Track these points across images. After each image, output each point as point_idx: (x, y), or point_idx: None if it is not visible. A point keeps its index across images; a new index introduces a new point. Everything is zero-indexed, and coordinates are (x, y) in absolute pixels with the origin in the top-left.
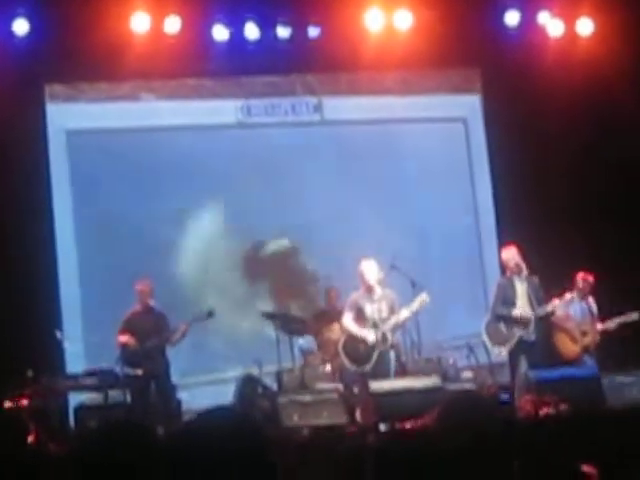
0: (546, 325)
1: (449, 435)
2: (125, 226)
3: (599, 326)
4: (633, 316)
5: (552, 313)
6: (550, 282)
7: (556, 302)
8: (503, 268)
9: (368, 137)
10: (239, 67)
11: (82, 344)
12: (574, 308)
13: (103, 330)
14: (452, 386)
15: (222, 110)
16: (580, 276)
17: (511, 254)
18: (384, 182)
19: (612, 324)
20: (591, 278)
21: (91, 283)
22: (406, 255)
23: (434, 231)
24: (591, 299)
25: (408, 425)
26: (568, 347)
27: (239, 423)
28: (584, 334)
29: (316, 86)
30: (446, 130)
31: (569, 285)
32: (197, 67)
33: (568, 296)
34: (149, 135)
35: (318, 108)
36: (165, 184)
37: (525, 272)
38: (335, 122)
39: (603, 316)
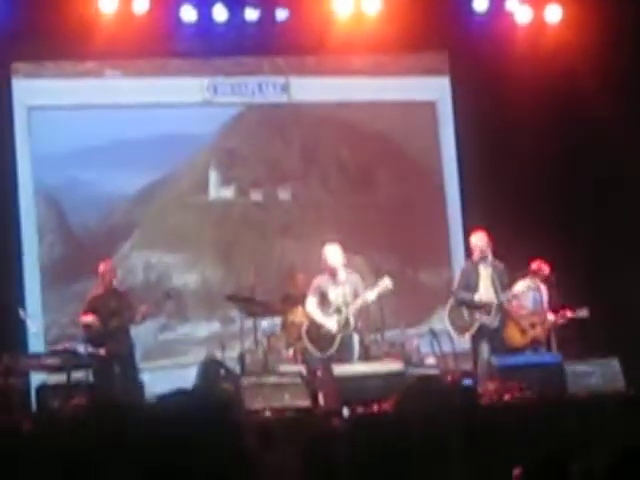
0: (502, 312)
1: (404, 420)
2: (87, 204)
3: (550, 317)
4: (583, 313)
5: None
6: (512, 269)
7: (516, 289)
8: (469, 253)
9: (336, 118)
10: (207, 48)
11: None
12: (527, 298)
13: (60, 309)
14: (415, 371)
15: (188, 88)
16: (535, 265)
17: (480, 239)
18: (351, 165)
19: (562, 319)
20: (546, 268)
21: (51, 262)
22: (372, 240)
23: (401, 215)
24: (544, 289)
25: (371, 409)
26: (516, 338)
27: (202, 406)
28: (533, 326)
29: (284, 66)
30: (416, 113)
31: (525, 273)
32: (164, 48)
33: (527, 284)
34: (113, 112)
35: (285, 88)
36: (129, 162)
37: (490, 257)
38: (303, 103)
39: (555, 307)
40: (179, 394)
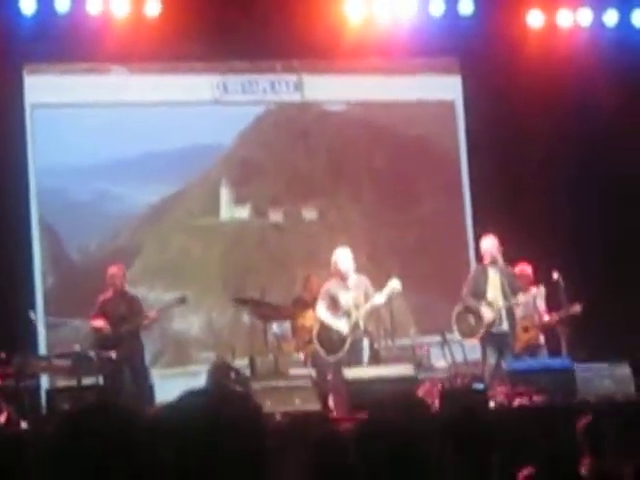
0: (511, 317)
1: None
2: (92, 205)
3: (546, 318)
4: (576, 308)
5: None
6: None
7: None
8: (479, 257)
9: (350, 118)
10: (218, 51)
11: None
12: (518, 303)
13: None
14: (425, 375)
15: (197, 87)
16: (518, 270)
17: (491, 243)
18: (387, 175)
19: (555, 317)
20: (529, 269)
21: (49, 294)
22: (387, 243)
23: (418, 218)
24: (536, 292)
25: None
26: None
27: (219, 407)
28: (526, 330)
29: (296, 64)
30: (441, 113)
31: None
32: (176, 50)
33: (533, 290)
34: (119, 110)
35: (299, 86)
36: (135, 175)
37: (500, 262)
38: (316, 102)
39: (552, 309)
40: (194, 395)
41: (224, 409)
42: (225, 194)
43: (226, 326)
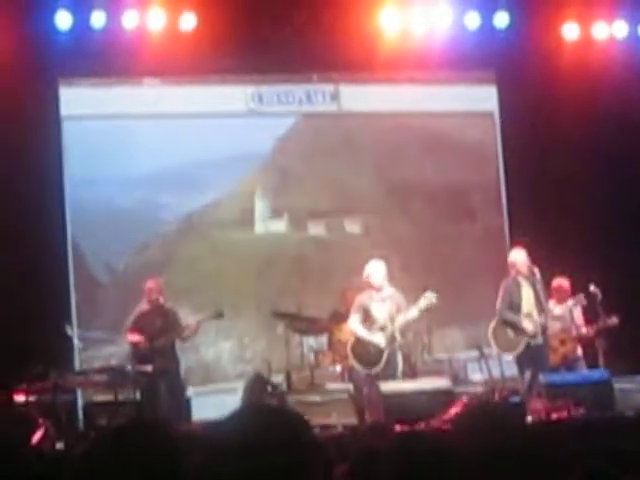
0: (545, 330)
1: (466, 440)
2: (125, 217)
3: (583, 330)
4: (613, 320)
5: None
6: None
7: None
8: (511, 270)
9: (387, 129)
10: (253, 63)
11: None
12: (555, 317)
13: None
14: (462, 388)
15: (231, 97)
16: (555, 284)
17: (521, 256)
18: (441, 187)
19: (591, 330)
20: (566, 283)
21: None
22: (422, 255)
23: (456, 230)
24: (573, 305)
25: (420, 427)
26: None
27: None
28: (563, 343)
29: (333, 74)
30: (477, 123)
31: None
32: (211, 64)
33: (553, 303)
34: (151, 122)
35: (335, 97)
36: (170, 185)
37: (536, 275)
38: (353, 113)
39: (589, 322)
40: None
41: (271, 426)
42: (260, 206)
43: (259, 353)
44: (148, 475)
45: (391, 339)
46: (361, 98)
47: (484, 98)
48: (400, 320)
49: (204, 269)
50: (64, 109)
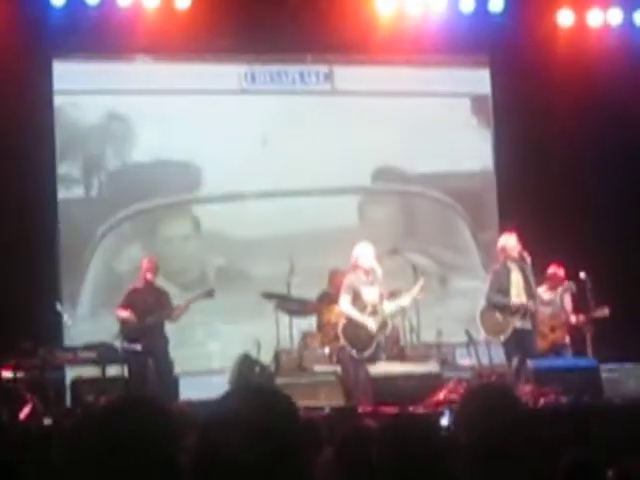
0: (533, 315)
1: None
2: (116, 195)
3: (573, 319)
4: (603, 312)
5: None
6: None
7: (543, 295)
8: (500, 254)
9: (381, 109)
10: (247, 43)
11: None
12: (546, 302)
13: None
14: (450, 373)
15: (224, 76)
16: (551, 270)
17: (511, 241)
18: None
19: (582, 320)
20: (561, 271)
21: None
22: (413, 238)
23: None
24: (563, 292)
25: (408, 410)
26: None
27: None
28: (552, 329)
29: (327, 55)
30: (463, 105)
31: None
32: (205, 44)
33: (544, 289)
34: (142, 99)
35: (329, 77)
36: (150, 143)
37: (527, 260)
38: (347, 92)
39: (579, 309)
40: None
41: (265, 409)
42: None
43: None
44: (147, 449)
45: (382, 325)
46: (355, 79)
47: (478, 81)
48: (392, 307)
49: (192, 248)
50: (57, 84)
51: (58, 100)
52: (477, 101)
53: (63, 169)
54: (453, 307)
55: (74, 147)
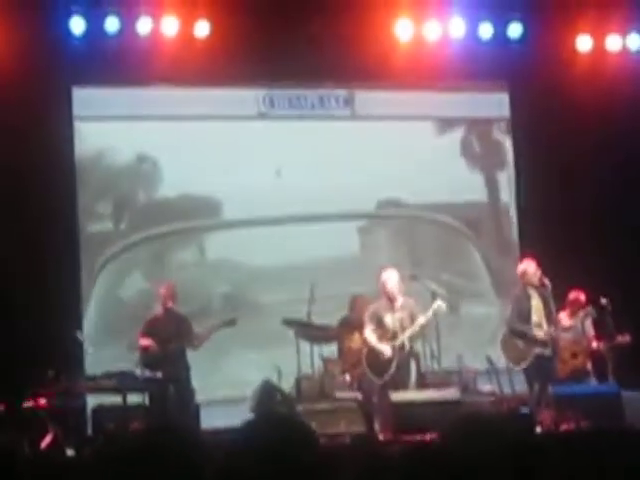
0: (554, 341)
1: (459, 451)
2: (137, 221)
3: (594, 345)
4: (625, 339)
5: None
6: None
7: (564, 321)
8: (520, 280)
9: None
10: (267, 73)
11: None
12: (568, 328)
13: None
14: (472, 399)
15: (242, 100)
16: (572, 295)
17: (531, 267)
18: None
19: (603, 346)
20: (582, 297)
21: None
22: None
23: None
24: (585, 318)
25: (427, 437)
26: (557, 368)
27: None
28: (574, 356)
29: (347, 79)
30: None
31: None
32: (224, 72)
33: (566, 315)
34: (159, 124)
35: (349, 102)
36: (175, 178)
37: (547, 285)
38: (367, 117)
39: (600, 335)
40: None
41: (280, 438)
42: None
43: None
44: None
45: (400, 347)
46: (375, 103)
47: (497, 106)
48: (411, 328)
49: (199, 275)
50: (76, 110)
51: (77, 126)
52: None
53: (97, 207)
54: (464, 335)
55: (106, 187)
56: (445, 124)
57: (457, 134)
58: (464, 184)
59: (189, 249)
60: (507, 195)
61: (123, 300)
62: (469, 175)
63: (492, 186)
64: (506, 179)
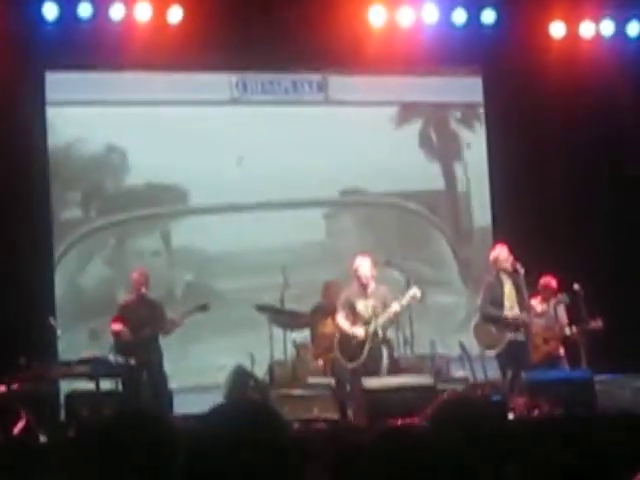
0: (527, 326)
1: (441, 435)
2: (107, 208)
3: (566, 331)
4: (598, 324)
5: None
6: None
7: (537, 307)
8: (492, 266)
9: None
10: (239, 59)
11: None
12: (540, 314)
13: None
14: (444, 385)
15: (215, 86)
16: (543, 281)
17: (503, 253)
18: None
19: (575, 331)
20: (554, 282)
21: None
22: (408, 252)
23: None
24: (557, 304)
25: (400, 423)
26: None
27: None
28: (546, 341)
29: (321, 64)
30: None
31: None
32: (197, 57)
33: (538, 301)
34: (130, 110)
35: (322, 87)
36: (144, 166)
37: (520, 271)
38: (341, 102)
39: (572, 321)
40: (235, 403)
41: (247, 423)
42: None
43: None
44: (143, 461)
45: (373, 333)
46: (349, 89)
47: (471, 90)
48: (384, 315)
49: (161, 263)
50: (49, 94)
51: (50, 113)
52: (473, 109)
53: (68, 195)
54: (433, 322)
55: (77, 177)
56: (410, 111)
57: (416, 125)
58: (424, 173)
59: (152, 236)
60: (463, 185)
61: (82, 287)
62: (428, 164)
63: (449, 176)
64: (462, 169)
